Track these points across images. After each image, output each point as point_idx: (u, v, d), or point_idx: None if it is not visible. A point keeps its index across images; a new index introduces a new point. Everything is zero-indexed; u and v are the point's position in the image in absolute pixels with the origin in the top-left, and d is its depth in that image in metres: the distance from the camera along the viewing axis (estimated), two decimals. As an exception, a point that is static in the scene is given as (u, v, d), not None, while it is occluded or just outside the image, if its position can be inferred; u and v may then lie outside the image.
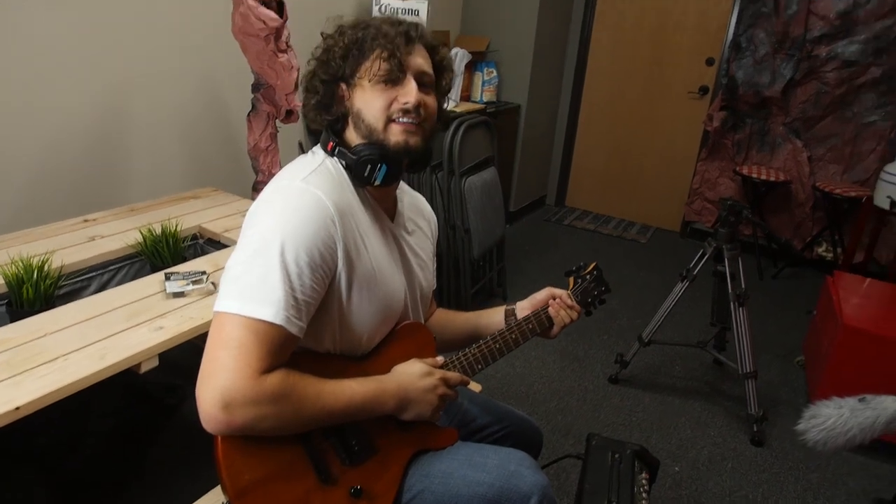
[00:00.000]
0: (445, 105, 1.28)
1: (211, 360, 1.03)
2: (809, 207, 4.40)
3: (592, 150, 5.26)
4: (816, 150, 4.35)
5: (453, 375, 1.25)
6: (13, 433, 1.24)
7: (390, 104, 1.16)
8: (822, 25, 4.04)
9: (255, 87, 2.41)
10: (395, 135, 1.17)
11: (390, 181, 1.20)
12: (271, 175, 2.54)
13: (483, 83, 4.36)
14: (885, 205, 3.62)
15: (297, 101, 2.37)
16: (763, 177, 4.25)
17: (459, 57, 3.89)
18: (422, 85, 1.19)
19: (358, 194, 1.20)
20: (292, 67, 2.29)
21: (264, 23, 2.13)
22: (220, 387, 0.99)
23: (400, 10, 3.25)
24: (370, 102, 1.17)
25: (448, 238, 3.16)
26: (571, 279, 1.60)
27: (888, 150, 4.09)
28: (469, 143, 3.16)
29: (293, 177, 1.15)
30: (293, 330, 1.06)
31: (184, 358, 1.56)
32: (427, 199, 1.63)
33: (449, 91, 1.27)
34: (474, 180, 3.18)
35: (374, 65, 1.16)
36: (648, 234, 4.94)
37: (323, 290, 1.12)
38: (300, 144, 3.35)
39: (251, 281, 1.05)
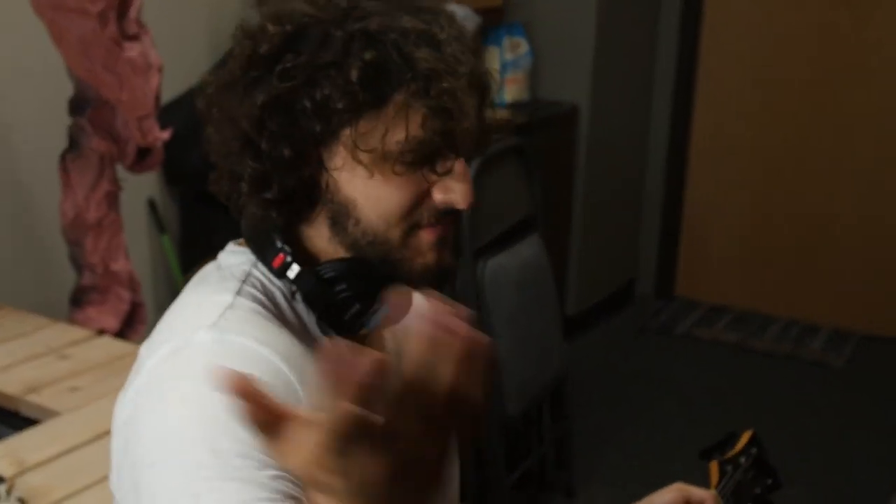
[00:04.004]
0: None
1: None
2: None
3: (723, 192, 5.44)
4: None
5: None
6: None
7: (419, 201, 1.25)
8: None
9: (78, 107, 2.56)
10: (423, 251, 1.25)
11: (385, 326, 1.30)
12: (109, 272, 2.64)
13: (504, 66, 4.57)
14: None
15: (159, 131, 2.51)
16: None
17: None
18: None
19: (306, 336, 1.29)
20: (150, 67, 2.44)
21: (98, -12, 2.30)
22: None
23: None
24: (381, 196, 1.24)
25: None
26: (715, 465, 1.69)
27: None
28: (489, 192, 3.30)
29: (192, 324, 1.21)
30: None
31: None
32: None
33: (485, 141, 1.39)
34: (503, 263, 3.30)
35: (397, 125, 1.22)
36: (848, 350, 5.06)
37: None
38: (151, 205, 3.49)
39: None
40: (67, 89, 2.60)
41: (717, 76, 5.35)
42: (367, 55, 1.17)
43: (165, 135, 2.53)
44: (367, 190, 1.23)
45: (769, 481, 1.70)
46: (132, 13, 2.39)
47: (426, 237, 1.25)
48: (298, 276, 1.25)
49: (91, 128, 2.54)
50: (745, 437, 1.71)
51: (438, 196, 1.23)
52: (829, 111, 5.13)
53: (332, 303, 1.24)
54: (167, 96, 2.57)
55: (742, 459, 1.68)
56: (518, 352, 3.31)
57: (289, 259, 1.26)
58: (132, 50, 2.40)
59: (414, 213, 1.23)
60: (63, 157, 2.60)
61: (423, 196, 1.23)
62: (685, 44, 5.30)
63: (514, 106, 4.57)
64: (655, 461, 3.93)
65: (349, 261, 1.25)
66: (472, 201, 1.23)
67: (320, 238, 1.28)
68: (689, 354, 5.02)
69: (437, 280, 1.26)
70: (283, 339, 1.22)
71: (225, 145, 1.27)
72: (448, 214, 1.24)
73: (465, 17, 4.11)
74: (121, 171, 2.66)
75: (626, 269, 5.59)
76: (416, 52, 1.18)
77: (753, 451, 1.70)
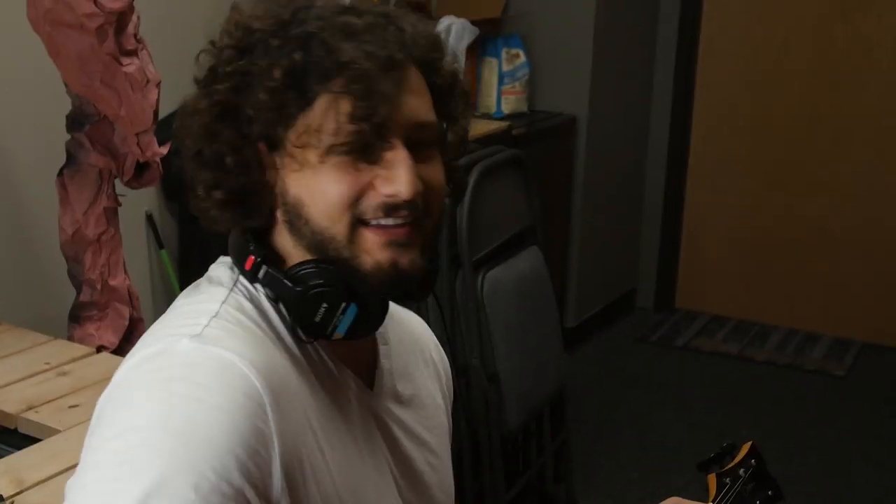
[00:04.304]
0: (458, 152, 1.40)
1: None
2: None
3: (722, 203, 5.46)
4: None
5: None
6: None
7: (360, 194, 1.26)
8: None
9: (76, 122, 2.55)
10: (373, 251, 1.25)
11: (363, 331, 1.31)
12: (108, 288, 2.64)
13: (501, 77, 4.58)
14: None
15: (158, 146, 2.51)
16: None
17: (454, 33, 4.11)
18: (418, 147, 1.30)
19: (298, 350, 1.29)
20: (148, 82, 2.44)
21: (96, 4, 2.30)
22: None
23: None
24: (321, 190, 1.26)
25: (455, 392, 3.25)
26: (713, 478, 1.68)
27: None
28: (487, 203, 3.31)
29: (177, 332, 1.22)
30: None
31: None
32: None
33: (464, 139, 1.40)
34: (501, 275, 3.30)
35: (328, 121, 1.26)
36: (849, 358, 5.07)
37: None
38: (149, 217, 3.49)
39: None
40: (65, 105, 2.60)
41: (714, 86, 5.37)
42: (296, 56, 1.23)
43: (164, 150, 2.52)
44: (309, 187, 1.26)
45: (769, 493, 1.69)
46: (130, 28, 2.39)
47: (373, 236, 1.25)
48: (266, 277, 1.28)
49: (89, 143, 2.54)
50: (744, 449, 1.70)
51: (381, 188, 1.25)
52: (825, 118, 5.16)
53: (301, 303, 1.25)
54: (165, 111, 2.58)
55: (741, 471, 1.68)
56: (517, 364, 3.31)
57: (258, 260, 1.28)
58: (130, 65, 2.40)
59: (356, 207, 1.24)
60: (61, 173, 2.60)
61: (365, 188, 1.25)
62: (683, 54, 5.32)
63: (513, 117, 4.57)
64: (655, 473, 3.93)
65: (313, 261, 1.27)
66: (416, 190, 1.24)
67: (286, 243, 1.30)
68: (689, 365, 5.03)
69: (396, 283, 1.27)
70: (265, 350, 1.23)
71: (195, 167, 1.31)
72: (398, 209, 1.25)
73: (463, 29, 4.11)
74: (120, 186, 2.66)
75: (625, 279, 5.60)
76: (341, 45, 1.22)
77: (753, 462, 1.69)
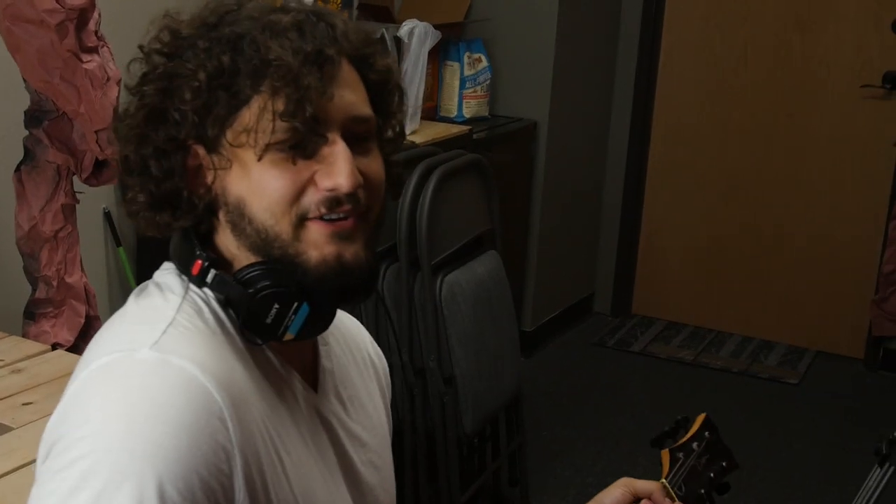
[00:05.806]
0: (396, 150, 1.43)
1: None
2: None
3: (679, 211, 5.50)
4: None
5: None
6: None
7: (301, 190, 1.27)
8: None
9: (34, 118, 2.54)
10: (318, 244, 1.25)
11: (314, 331, 1.32)
12: (64, 285, 2.63)
13: (463, 82, 4.60)
14: None
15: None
16: None
17: (417, 37, 4.12)
18: (356, 141, 1.32)
19: (249, 353, 1.29)
20: (108, 80, 2.43)
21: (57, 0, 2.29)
22: None
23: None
24: (262, 188, 1.26)
25: (411, 395, 3.26)
26: (666, 454, 1.70)
27: None
28: (447, 206, 3.31)
29: (133, 340, 1.22)
30: None
31: None
32: (363, 321, 1.74)
33: (401, 134, 1.42)
34: (459, 279, 3.31)
35: (264, 120, 1.26)
36: (802, 366, 5.13)
37: None
38: (106, 214, 3.47)
39: None
40: (24, 100, 2.59)
41: (674, 95, 5.43)
42: (224, 57, 1.24)
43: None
44: (250, 186, 1.26)
45: (724, 463, 1.70)
46: (91, 25, 2.38)
47: (318, 229, 1.26)
48: (216, 281, 1.28)
49: (48, 140, 2.53)
50: (697, 422, 1.71)
51: (322, 182, 1.26)
52: (782, 130, 5.23)
53: (253, 305, 1.25)
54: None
55: (694, 445, 1.69)
56: (474, 367, 3.32)
57: (206, 264, 1.28)
58: (91, 62, 2.39)
59: (299, 203, 1.25)
60: (18, 169, 2.59)
61: (306, 184, 1.26)
62: (643, 62, 5.37)
63: (474, 121, 4.60)
64: (610, 476, 3.91)
65: (262, 262, 1.28)
66: (356, 181, 1.25)
67: (230, 245, 1.31)
68: (644, 370, 5.07)
69: (341, 277, 1.27)
70: (223, 357, 1.22)
71: (124, 172, 1.32)
72: (340, 204, 1.25)
73: (424, 32, 4.12)
74: (77, 183, 2.65)
75: (583, 284, 5.64)
76: (269, 44, 1.24)
77: (706, 434, 1.71)
